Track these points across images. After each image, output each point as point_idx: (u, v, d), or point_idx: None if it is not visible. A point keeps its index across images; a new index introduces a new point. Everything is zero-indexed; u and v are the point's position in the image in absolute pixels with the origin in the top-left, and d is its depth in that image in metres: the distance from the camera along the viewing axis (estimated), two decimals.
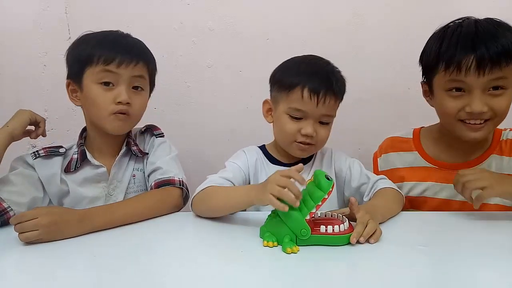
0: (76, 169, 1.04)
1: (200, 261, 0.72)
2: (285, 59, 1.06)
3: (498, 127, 1.08)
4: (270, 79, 1.06)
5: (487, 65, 0.91)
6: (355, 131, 1.52)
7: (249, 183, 1.05)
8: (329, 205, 0.92)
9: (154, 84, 1.12)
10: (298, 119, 0.99)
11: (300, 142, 0.99)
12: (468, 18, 1.01)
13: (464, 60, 0.93)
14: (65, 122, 1.50)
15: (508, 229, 0.85)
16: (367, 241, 0.77)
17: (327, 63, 1.03)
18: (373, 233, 0.78)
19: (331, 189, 0.74)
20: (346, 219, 0.80)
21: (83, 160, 1.04)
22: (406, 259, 0.72)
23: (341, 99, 1.03)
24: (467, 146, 1.06)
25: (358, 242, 0.75)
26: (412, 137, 1.16)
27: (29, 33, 1.49)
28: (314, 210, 0.75)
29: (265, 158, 1.09)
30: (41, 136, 1.07)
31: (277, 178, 0.76)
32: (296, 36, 1.49)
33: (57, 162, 1.03)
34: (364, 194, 1.04)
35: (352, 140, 1.52)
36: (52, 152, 1.04)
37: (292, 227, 0.75)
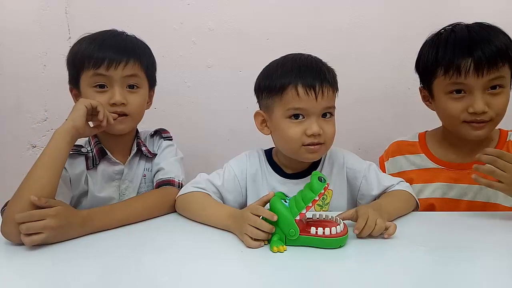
0: (95, 166, 1.04)
1: (199, 261, 0.72)
2: None
3: (504, 128, 1.11)
4: (255, 89, 1.01)
5: (484, 67, 0.96)
6: (355, 131, 1.52)
7: (246, 191, 1.03)
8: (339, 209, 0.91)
9: (155, 80, 1.12)
10: (299, 119, 0.92)
11: (309, 144, 0.92)
12: (458, 23, 1.05)
13: (462, 63, 0.97)
14: None
15: (509, 229, 0.85)
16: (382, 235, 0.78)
17: (310, 55, 0.97)
18: (375, 229, 0.78)
19: (323, 191, 0.74)
20: (342, 222, 0.77)
21: (102, 157, 1.04)
22: (404, 259, 0.72)
23: (337, 89, 0.96)
24: (473, 146, 1.06)
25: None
26: (418, 140, 1.17)
27: (29, 33, 1.49)
28: (304, 211, 0.75)
29: (268, 166, 1.04)
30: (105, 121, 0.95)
31: (249, 218, 0.77)
32: (296, 36, 1.49)
33: (82, 162, 1.03)
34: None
35: (352, 140, 1.51)
36: (76, 151, 1.02)
37: (282, 227, 0.76)
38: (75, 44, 1.03)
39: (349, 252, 0.74)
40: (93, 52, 0.97)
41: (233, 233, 0.83)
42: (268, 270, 0.69)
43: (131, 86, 1.02)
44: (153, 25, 1.50)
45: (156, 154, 1.12)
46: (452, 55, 0.99)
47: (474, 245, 0.78)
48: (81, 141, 1.06)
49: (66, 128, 0.90)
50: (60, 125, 0.92)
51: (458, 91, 1.00)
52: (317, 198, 0.74)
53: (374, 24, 1.49)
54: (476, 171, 0.90)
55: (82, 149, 1.04)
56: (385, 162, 1.19)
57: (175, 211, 1.00)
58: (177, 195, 1.00)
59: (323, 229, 0.74)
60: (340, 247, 0.74)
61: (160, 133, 1.16)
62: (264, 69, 1.00)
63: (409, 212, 0.97)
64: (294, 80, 0.90)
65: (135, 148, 1.09)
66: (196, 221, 0.93)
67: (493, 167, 0.87)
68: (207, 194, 0.98)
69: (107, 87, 0.99)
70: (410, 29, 1.46)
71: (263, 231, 0.76)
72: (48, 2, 1.49)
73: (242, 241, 0.78)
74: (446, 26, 1.06)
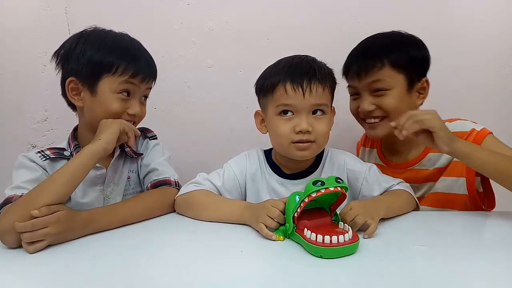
0: None
1: (198, 261, 0.72)
2: None
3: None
4: (255, 90, 1.03)
5: (362, 71, 1.07)
6: (355, 131, 1.51)
7: (245, 191, 1.04)
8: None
9: None
10: (288, 116, 0.93)
11: (298, 142, 0.93)
12: (379, 33, 1.14)
13: (350, 67, 1.11)
14: (65, 122, 1.50)
15: (508, 229, 0.85)
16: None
17: (307, 56, 0.98)
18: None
19: (314, 195, 0.74)
20: (344, 236, 0.72)
21: None
22: (403, 258, 0.72)
23: (331, 87, 0.97)
24: (403, 145, 1.15)
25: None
26: None
27: (29, 33, 1.49)
28: (298, 210, 0.77)
29: (267, 166, 1.04)
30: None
31: (269, 210, 0.82)
32: (296, 36, 1.49)
33: None
34: None
35: (352, 139, 1.51)
36: (58, 154, 1.00)
37: (286, 219, 0.80)
38: (95, 40, 0.99)
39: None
40: (130, 62, 0.99)
41: (245, 224, 0.86)
42: (268, 270, 0.69)
43: (145, 97, 1.08)
44: (153, 25, 1.50)
45: (141, 154, 1.11)
46: (347, 60, 1.13)
47: (474, 244, 0.78)
48: (62, 143, 1.05)
49: (98, 150, 0.90)
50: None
51: (355, 94, 1.13)
52: (306, 200, 0.75)
53: (374, 24, 1.48)
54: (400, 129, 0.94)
55: (65, 152, 1.02)
56: (360, 149, 1.33)
57: (175, 211, 1.01)
58: (177, 195, 1.00)
59: (311, 233, 0.73)
60: (320, 257, 0.71)
61: (144, 133, 1.15)
62: (263, 71, 1.02)
63: (409, 212, 0.97)
64: (283, 78, 0.93)
65: (118, 150, 1.06)
66: (199, 219, 0.93)
67: (417, 118, 0.90)
68: (210, 191, 0.99)
69: (129, 96, 1.01)
70: (410, 29, 1.46)
71: (278, 223, 0.82)
72: (48, 2, 1.49)
73: (257, 230, 0.82)
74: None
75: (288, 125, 0.93)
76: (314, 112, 0.94)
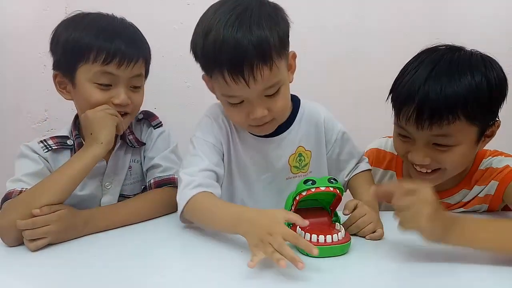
0: None
1: (199, 261, 0.72)
2: None
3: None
4: (190, 49, 0.89)
5: (425, 121, 0.78)
6: (355, 131, 1.51)
7: (224, 156, 0.94)
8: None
9: (148, 72, 1.04)
10: (240, 104, 0.81)
11: (254, 126, 0.84)
12: (450, 47, 0.87)
13: (405, 108, 0.81)
14: (65, 122, 1.50)
15: None
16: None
17: (240, 18, 0.77)
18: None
19: (304, 193, 0.75)
20: (333, 236, 0.71)
21: None
22: (404, 258, 0.72)
23: (283, 53, 0.86)
24: None
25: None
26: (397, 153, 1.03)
27: (29, 33, 1.50)
28: (292, 208, 0.78)
29: (232, 124, 0.93)
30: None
31: (277, 241, 0.64)
32: (296, 36, 1.49)
33: (67, 157, 0.96)
34: (343, 169, 0.99)
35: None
36: (61, 144, 0.97)
37: None
38: (70, 24, 0.93)
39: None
40: (103, 45, 0.88)
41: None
42: (268, 270, 0.69)
43: (133, 86, 0.96)
44: (153, 25, 1.50)
45: (144, 144, 1.05)
46: (398, 93, 0.84)
47: None
48: (63, 130, 1.01)
49: (101, 153, 0.88)
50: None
51: (405, 136, 0.87)
52: (297, 198, 0.76)
53: (374, 25, 1.49)
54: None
55: (68, 141, 0.97)
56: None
57: (176, 211, 1.00)
58: (180, 203, 0.87)
59: (300, 231, 0.73)
60: (306, 255, 0.69)
61: (148, 121, 1.09)
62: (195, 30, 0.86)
63: None
64: (219, 65, 0.77)
65: (119, 141, 1.00)
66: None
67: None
68: (209, 194, 0.85)
69: (111, 85, 0.92)
70: (411, 29, 1.46)
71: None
72: (48, 2, 1.50)
73: (251, 250, 0.68)
74: (439, 46, 0.88)
75: (241, 113, 0.82)
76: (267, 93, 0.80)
